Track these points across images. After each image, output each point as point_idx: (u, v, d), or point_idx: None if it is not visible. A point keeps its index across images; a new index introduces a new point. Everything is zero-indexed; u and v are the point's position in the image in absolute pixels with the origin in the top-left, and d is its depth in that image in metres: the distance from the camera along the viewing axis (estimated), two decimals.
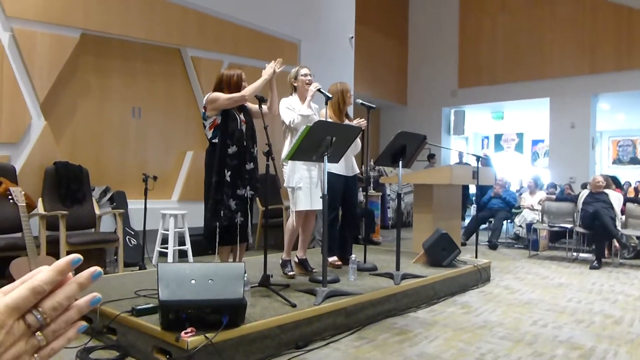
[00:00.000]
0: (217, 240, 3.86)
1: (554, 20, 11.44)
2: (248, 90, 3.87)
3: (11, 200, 3.68)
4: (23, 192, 3.80)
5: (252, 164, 3.95)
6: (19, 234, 4.35)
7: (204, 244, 4.09)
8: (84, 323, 0.56)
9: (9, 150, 5.01)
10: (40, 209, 4.86)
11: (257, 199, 6.56)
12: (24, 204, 3.69)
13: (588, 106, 11.22)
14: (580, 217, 6.94)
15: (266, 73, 3.99)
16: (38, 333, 0.51)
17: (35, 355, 0.52)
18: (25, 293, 0.50)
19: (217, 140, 3.87)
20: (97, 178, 5.59)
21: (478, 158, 6.22)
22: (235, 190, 3.87)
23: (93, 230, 5.21)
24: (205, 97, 3.96)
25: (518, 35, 11.88)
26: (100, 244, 5.01)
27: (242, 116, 3.96)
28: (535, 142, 15.18)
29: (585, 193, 7.09)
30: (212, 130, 3.92)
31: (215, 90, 3.97)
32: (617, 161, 14.26)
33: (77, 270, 0.55)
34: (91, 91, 5.79)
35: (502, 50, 12.14)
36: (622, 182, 9.56)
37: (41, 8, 5.18)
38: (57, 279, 0.52)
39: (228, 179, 3.83)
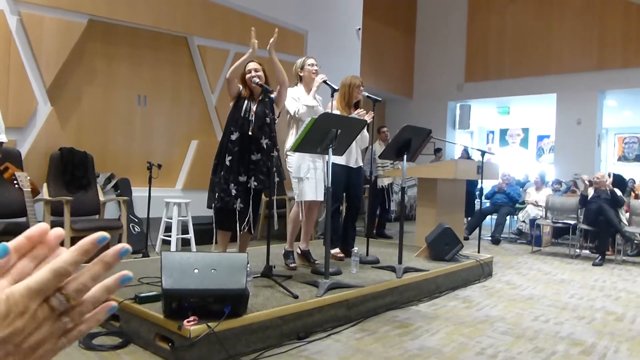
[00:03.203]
0: (215, 222, 3.92)
1: (562, 16, 11.34)
2: (229, 71, 3.95)
3: (16, 185, 3.69)
4: (28, 177, 3.81)
5: (259, 154, 3.93)
6: (23, 219, 4.38)
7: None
8: (113, 303, 0.53)
9: (15, 134, 5.01)
10: (45, 194, 4.88)
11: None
12: (29, 189, 3.71)
13: (595, 102, 11.14)
14: (584, 214, 6.93)
15: (251, 46, 3.99)
16: (64, 316, 0.49)
17: (63, 337, 0.49)
18: (48, 276, 0.47)
19: None
20: (101, 165, 5.61)
21: (483, 153, 6.20)
22: (237, 177, 3.88)
23: (97, 216, 5.23)
24: None
25: (526, 30, 11.78)
26: (104, 231, 5.01)
27: (255, 107, 3.95)
28: (540, 138, 15.10)
29: (591, 192, 7.06)
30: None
31: None
32: (623, 158, 14.18)
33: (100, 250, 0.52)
34: (97, 78, 5.79)
35: (509, 44, 12.05)
36: (627, 179, 9.51)
37: None
38: (80, 259, 0.48)
39: (227, 163, 3.87)
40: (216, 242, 4.14)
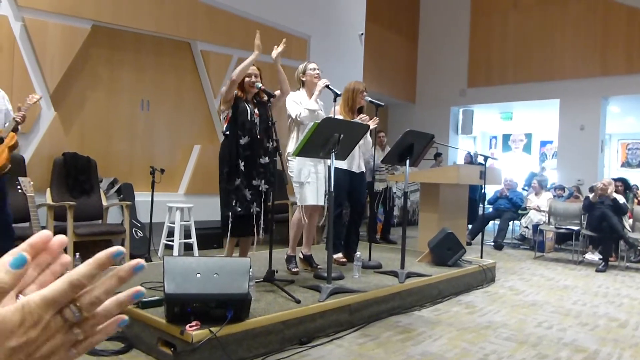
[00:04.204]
0: (230, 229, 3.86)
1: (565, 22, 11.35)
2: (235, 72, 3.91)
3: (20, 190, 3.70)
4: (31, 183, 3.82)
5: (267, 158, 3.95)
6: (26, 224, 4.39)
7: (222, 233, 4.10)
8: (124, 317, 0.53)
9: (19, 139, 5.01)
10: (48, 199, 4.89)
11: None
12: (33, 194, 3.72)
13: (598, 108, 11.12)
14: (587, 220, 6.91)
15: (256, 47, 3.96)
16: (76, 328, 0.49)
17: (73, 349, 0.50)
18: (63, 287, 0.47)
19: (229, 132, 3.91)
20: (105, 170, 5.62)
21: (486, 158, 6.20)
22: (250, 181, 3.89)
23: (100, 221, 5.24)
24: None
25: (529, 36, 11.79)
26: (106, 236, 5.04)
27: (256, 109, 3.96)
28: (543, 144, 15.07)
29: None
30: (227, 123, 3.96)
31: None
32: (626, 164, 14.13)
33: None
34: (101, 83, 5.81)
35: (512, 50, 12.05)
36: (631, 185, 9.47)
37: None
38: (96, 272, 0.49)
39: (243, 168, 3.85)
40: (220, 247, 4.14)
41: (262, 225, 4.02)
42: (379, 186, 7.64)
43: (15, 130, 3.90)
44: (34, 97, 4.03)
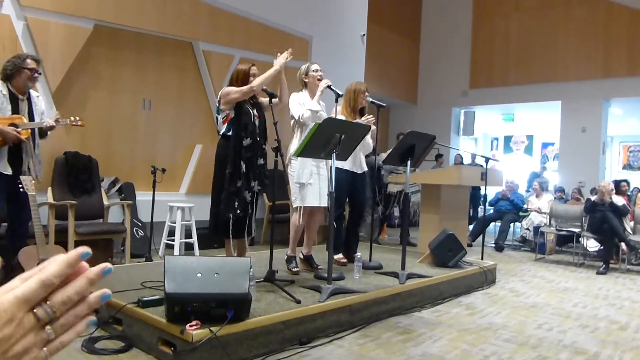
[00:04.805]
0: (231, 232, 3.85)
1: (567, 23, 11.35)
2: (256, 82, 3.86)
3: (21, 189, 3.70)
4: (33, 181, 3.82)
5: (262, 160, 3.96)
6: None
7: (212, 235, 4.09)
8: (93, 317, 0.56)
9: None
10: (49, 198, 4.90)
11: (264, 194, 6.60)
12: (34, 193, 3.72)
13: (600, 110, 11.12)
14: (588, 222, 6.90)
15: (277, 64, 3.99)
16: (47, 327, 0.51)
17: (44, 348, 0.51)
18: (35, 286, 0.50)
19: (230, 133, 3.88)
20: (106, 169, 5.63)
21: (487, 160, 6.19)
22: (249, 183, 3.89)
23: (101, 220, 5.24)
24: (220, 92, 3.99)
25: (531, 37, 11.79)
26: (107, 235, 5.04)
27: (255, 111, 3.96)
28: (545, 145, 15.07)
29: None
30: (226, 124, 3.91)
31: (229, 85, 4.00)
32: (628, 166, 14.13)
33: (90, 264, 0.55)
34: (102, 82, 5.82)
35: (514, 51, 12.06)
36: (632, 188, 9.47)
37: None
38: (66, 272, 0.52)
39: (244, 170, 3.85)
40: (221, 247, 4.14)
41: (253, 227, 4.03)
42: (393, 188, 7.61)
43: (43, 135, 4.05)
44: (78, 121, 4.11)
